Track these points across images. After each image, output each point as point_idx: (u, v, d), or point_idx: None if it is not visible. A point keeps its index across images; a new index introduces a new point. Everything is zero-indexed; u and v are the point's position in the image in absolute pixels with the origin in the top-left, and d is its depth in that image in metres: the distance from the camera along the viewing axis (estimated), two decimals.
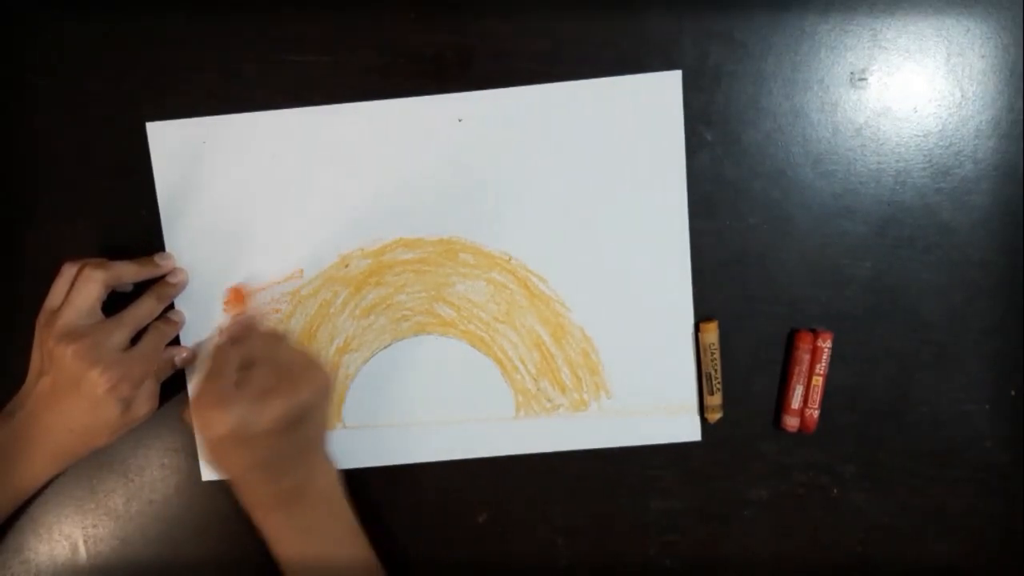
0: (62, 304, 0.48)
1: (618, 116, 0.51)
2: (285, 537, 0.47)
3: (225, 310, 0.53)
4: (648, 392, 0.53)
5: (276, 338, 0.46)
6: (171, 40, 0.51)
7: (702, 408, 0.53)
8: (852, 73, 0.51)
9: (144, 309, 0.50)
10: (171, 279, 0.52)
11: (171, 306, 0.53)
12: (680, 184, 0.52)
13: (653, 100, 0.51)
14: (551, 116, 0.51)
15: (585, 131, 0.52)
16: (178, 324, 0.53)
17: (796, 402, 0.53)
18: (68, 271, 0.49)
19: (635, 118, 0.51)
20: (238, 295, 0.53)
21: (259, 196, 0.52)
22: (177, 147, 0.52)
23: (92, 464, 0.54)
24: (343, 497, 0.49)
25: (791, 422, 0.53)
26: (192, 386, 0.53)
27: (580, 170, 0.52)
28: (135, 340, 0.50)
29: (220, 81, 0.51)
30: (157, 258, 0.51)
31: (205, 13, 0.51)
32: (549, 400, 0.54)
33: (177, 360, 0.52)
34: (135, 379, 0.48)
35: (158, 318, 0.51)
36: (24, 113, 0.52)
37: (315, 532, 0.47)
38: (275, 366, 0.44)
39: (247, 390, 0.42)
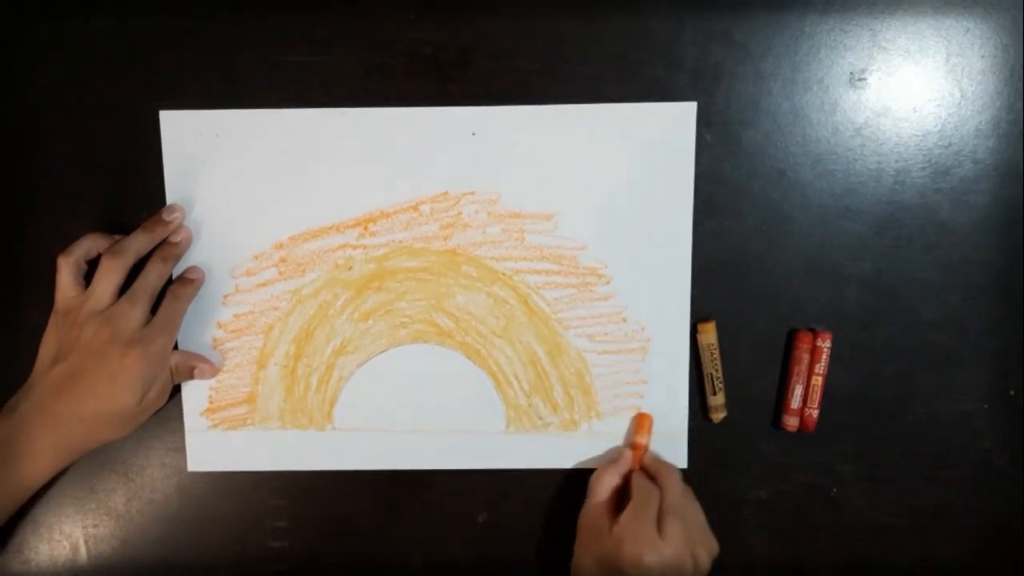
0: (85, 293, 0.49)
1: (631, 140, 0.51)
2: None
3: (632, 431, 0.53)
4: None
5: (686, 494, 0.50)
6: (170, 41, 0.51)
7: (705, 409, 0.53)
8: (852, 73, 0.51)
9: (154, 277, 0.50)
10: (174, 238, 0.51)
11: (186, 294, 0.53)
12: (687, 215, 0.52)
13: (667, 128, 0.51)
14: (564, 135, 0.51)
15: (597, 153, 0.51)
16: (196, 282, 0.52)
17: (796, 402, 0.53)
18: (65, 262, 0.49)
19: (648, 143, 0.51)
20: (645, 420, 0.53)
21: (267, 194, 0.52)
22: (188, 138, 0.52)
23: (92, 464, 0.54)
24: None
25: (791, 422, 0.53)
26: (607, 511, 0.50)
27: (589, 193, 0.52)
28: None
29: (219, 82, 0.51)
30: (164, 214, 0.51)
31: (203, 13, 0.51)
32: (540, 417, 0.54)
33: (196, 373, 0.52)
34: (158, 351, 0.49)
35: (174, 281, 0.52)
36: (26, 111, 0.52)
37: None
38: (685, 524, 0.48)
39: (670, 542, 0.46)
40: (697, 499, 0.51)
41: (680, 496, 0.50)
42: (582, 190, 0.52)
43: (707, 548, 0.49)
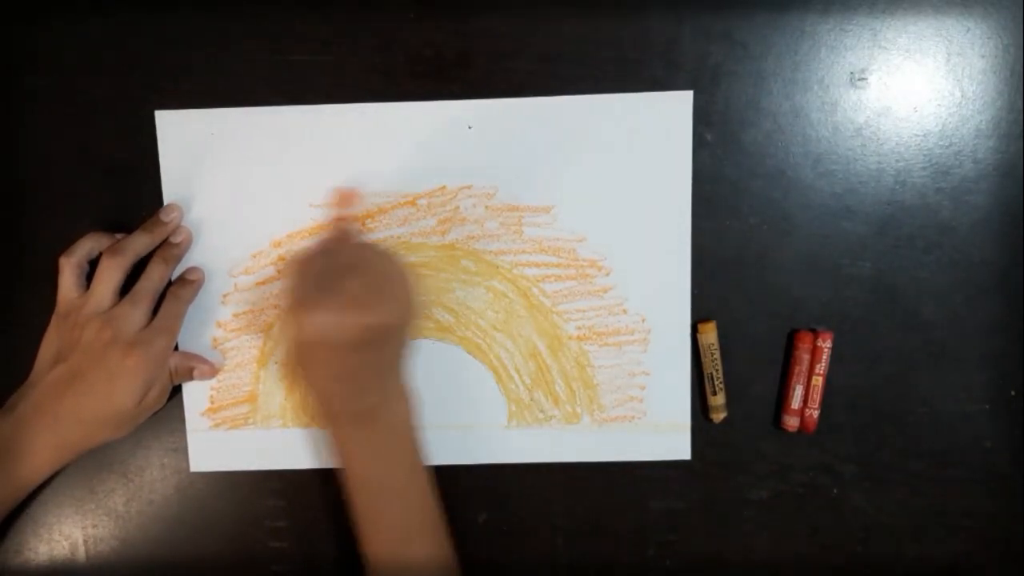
0: (86, 294, 0.49)
1: (628, 131, 0.51)
2: (353, 456, 0.47)
3: (331, 209, 0.50)
4: (641, 409, 0.54)
5: (373, 249, 0.45)
6: (170, 41, 0.51)
7: (706, 409, 0.53)
8: (852, 73, 0.51)
9: (156, 278, 0.50)
10: (174, 239, 0.51)
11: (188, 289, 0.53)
12: (685, 205, 0.52)
13: (664, 117, 0.51)
14: (561, 127, 0.51)
15: (594, 144, 0.51)
16: (196, 283, 0.52)
17: (796, 402, 0.53)
18: (67, 263, 0.50)
19: (645, 134, 0.51)
20: (347, 195, 0.48)
21: (264, 192, 0.52)
22: (185, 138, 0.52)
23: (92, 464, 0.54)
24: (416, 427, 0.48)
25: (791, 422, 0.53)
26: (284, 286, 0.46)
27: (587, 184, 0.52)
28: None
29: (218, 82, 0.51)
30: (162, 214, 0.51)
31: (203, 13, 0.51)
32: (542, 411, 0.54)
33: (196, 374, 0.52)
34: (159, 352, 0.49)
35: (174, 282, 0.52)
36: (26, 111, 0.52)
37: (384, 457, 0.47)
38: (369, 278, 0.43)
39: (336, 298, 0.41)
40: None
41: (358, 252, 0.45)
42: (580, 182, 0.52)
43: (400, 304, 0.43)
